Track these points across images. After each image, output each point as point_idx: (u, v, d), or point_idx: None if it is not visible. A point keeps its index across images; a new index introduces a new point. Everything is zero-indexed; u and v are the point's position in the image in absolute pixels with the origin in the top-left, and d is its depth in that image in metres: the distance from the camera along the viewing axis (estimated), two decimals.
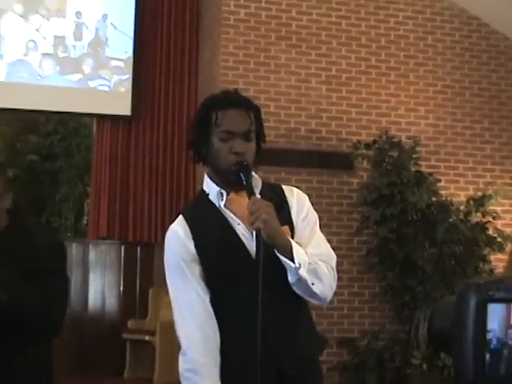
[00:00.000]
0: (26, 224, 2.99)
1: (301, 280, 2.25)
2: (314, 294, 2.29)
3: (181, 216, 2.41)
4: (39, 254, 2.70)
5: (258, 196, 2.30)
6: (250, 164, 2.33)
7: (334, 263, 2.38)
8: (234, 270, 2.31)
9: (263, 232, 2.15)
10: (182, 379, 2.30)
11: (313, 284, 2.26)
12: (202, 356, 2.28)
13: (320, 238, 2.43)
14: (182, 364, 2.31)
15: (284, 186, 2.50)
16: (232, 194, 2.36)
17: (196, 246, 2.33)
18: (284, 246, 2.23)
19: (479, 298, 0.99)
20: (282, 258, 2.22)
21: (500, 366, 0.99)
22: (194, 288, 2.32)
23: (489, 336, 0.98)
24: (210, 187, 2.40)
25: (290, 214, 2.41)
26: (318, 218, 2.48)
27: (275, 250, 2.22)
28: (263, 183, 2.41)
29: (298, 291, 2.29)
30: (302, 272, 2.23)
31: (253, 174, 2.35)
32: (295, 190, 2.50)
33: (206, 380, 2.26)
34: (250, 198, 2.23)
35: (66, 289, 2.82)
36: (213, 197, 2.38)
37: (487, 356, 0.98)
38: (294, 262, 2.22)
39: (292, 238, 2.32)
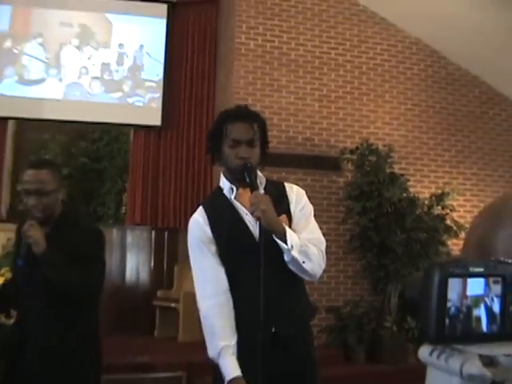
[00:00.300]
0: (77, 214, 3.02)
1: (294, 259, 2.24)
2: (305, 271, 2.29)
3: (200, 207, 2.42)
4: (83, 242, 2.73)
5: (262, 191, 2.31)
6: (255, 165, 2.33)
7: (323, 247, 2.38)
8: (242, 250, 2.31)
9: (262, 220, 2.16)
10: (205, 339, 2.31)
11: (304, 262, 2.26)
12: (218, 320, 2.28)
13: (314, 226, 2.43)
14: (203, 327, 2.32)
15: (286, 183, 2.50)
16: (240, 189, 2.36)
17: (212, 230, 2.34)
18: (280, 231, 2.23)
19: (441, 274, 1.00)
20: (278, 241, 2.23)
21: (457, 327, 1.00)
22: (211, 263, 2.32)
23: (448, 304, 0.99)
24: (224, 183, 2.40)
25: (288, 206, 2.40)
26: (312, 210, 2.48)
27: (273, 235, 2.23)
28: (268, 180, 2.41)
29: (292, 268, 2.29)
30: (294, 253, 2.23)
31: (259, 173, 2.36)
32: (295, 186, 2.49)
33: (221, 339, 2.26)
34: (251, 193, 2.23)
35: (103, 271, 2.84)
36: (226, 191, 2.39)
37: (447, 320, 0.99)
38: (287, 245, 2.22)
39: (290, 225, 2.32)
